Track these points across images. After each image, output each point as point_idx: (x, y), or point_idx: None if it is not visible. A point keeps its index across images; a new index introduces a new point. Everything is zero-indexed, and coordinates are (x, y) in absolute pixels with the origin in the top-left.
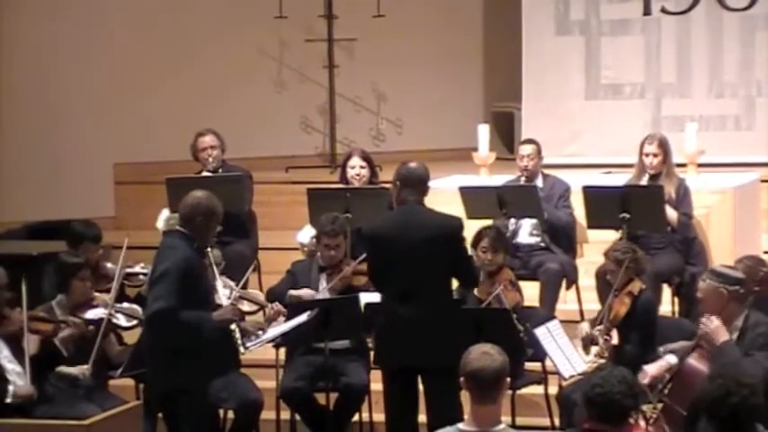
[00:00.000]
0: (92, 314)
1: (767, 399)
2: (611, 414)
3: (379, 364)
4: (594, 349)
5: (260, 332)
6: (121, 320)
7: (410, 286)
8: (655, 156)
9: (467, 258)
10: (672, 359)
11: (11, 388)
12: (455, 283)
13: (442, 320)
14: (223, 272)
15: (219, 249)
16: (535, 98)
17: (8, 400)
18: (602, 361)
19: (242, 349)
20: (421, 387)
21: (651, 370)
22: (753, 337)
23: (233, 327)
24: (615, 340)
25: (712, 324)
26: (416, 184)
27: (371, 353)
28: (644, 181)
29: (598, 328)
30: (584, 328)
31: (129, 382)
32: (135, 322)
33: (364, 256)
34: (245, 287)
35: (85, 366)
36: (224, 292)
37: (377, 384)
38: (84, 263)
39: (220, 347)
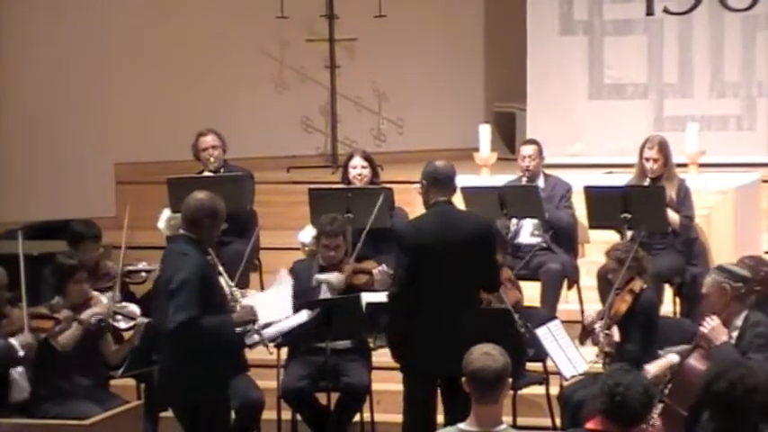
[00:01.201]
0: (89, 314)
1: None
2: (626, 417)
3: (413, 370)
4: (594, 348)
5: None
6: (120, 322)
7: (448, 290)
8: (655, 161)
9: (495, 261)
10: (674, 358)
11: (15, 341)
12: None
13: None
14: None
15: (218, 249)
16: (539, 97)
17: (19, 352)
18: (603, 360)
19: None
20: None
21: (653, 369)
22: (751, 337)
23: (249, 327)
24: (617, 337)
25: (713, 324)
26: (445, 183)
27: (401, 358)
28: (645, 183)
29: (599, 323)
30: (591, 315)
31: (130, 381)
32: (132, 323)
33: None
34: (245, 286)
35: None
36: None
37: (378, 384)
38: (80, 265)
39: (238, 346)
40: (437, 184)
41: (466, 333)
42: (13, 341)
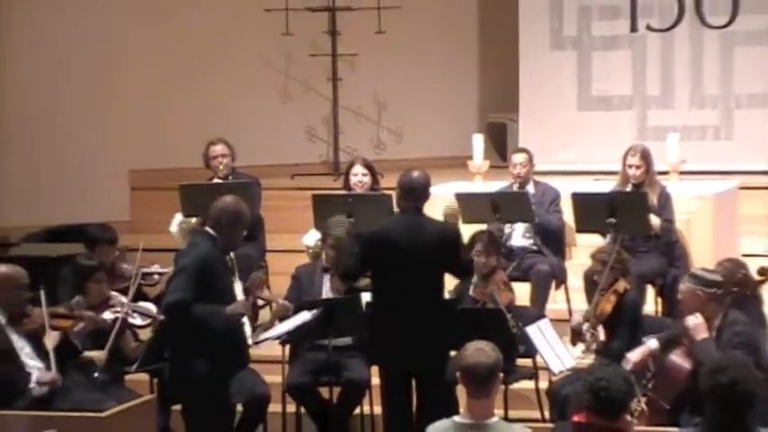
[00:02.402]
0: (108, 313)
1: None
2: (611, 409)
3: (378, 364)
4: (581, 346)
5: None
6: (137, 319)
7: (412, 289)
8: (637, 167)
9: (461, 258)
10: (653, 344)
11: (34, 375)
12: (449, 286)
13: (437, 324)
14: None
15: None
16: (531, 109)
17: (32, 386)
18: (591, 357)
19: (250, 341)
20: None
21: (633, 357)
22: (729, 335)
23: (244, 320)
24: (602, 335)
25: (695, 321)
26: (417, 191)
27: (374, 354)
28: (628, 189)
29: (586, 324)
30: (577, 318)
31: (144, 376)
32: (149, 321)
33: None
34: None
35: (101, 352)
36: (239, 288)
37: (377, 379)
38: (99, 266)
39: (237, 341)
40: (411, 191)
41: (430, 329)
42: (33, 372)
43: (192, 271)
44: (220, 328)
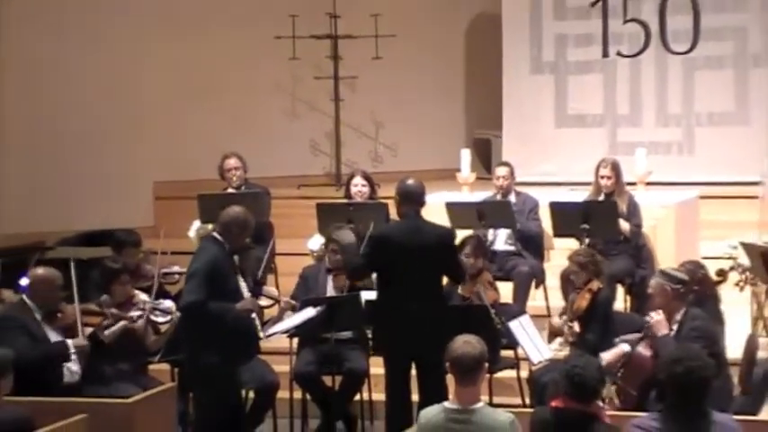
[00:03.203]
0: (132, 311)
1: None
2: (585, 393)
3: (383, 353)
4: (559, 339)
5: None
6: (158, 317)
7: (414, 285)
8: (608, 178)
9: (457, 260)
10: (625, 347)
11: (70, 341)
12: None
13: (438, 315)
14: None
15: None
16: (513, 126)
17: (71, 351)
18: (567, 349)
19: (261, 335)
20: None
21: (607, 357)
22: (688, 330)
23: (253, 315)
24: (578, 329)
25: (657, 318)
26: (414, 197)
27: (371, 342)
28: (600, 198)
29: (563, 317)
30: (553, 321)
31: (166, 366)
32: (169, 317)
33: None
34: (262, 284)
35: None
36: (246, 288)
37: (375, 369)
38: (123, 268)
39: (247, 335)
40: (408, 198)
41: (430, 321)
42: (69, 342)
43: (204, 274)
44: (232, 323)
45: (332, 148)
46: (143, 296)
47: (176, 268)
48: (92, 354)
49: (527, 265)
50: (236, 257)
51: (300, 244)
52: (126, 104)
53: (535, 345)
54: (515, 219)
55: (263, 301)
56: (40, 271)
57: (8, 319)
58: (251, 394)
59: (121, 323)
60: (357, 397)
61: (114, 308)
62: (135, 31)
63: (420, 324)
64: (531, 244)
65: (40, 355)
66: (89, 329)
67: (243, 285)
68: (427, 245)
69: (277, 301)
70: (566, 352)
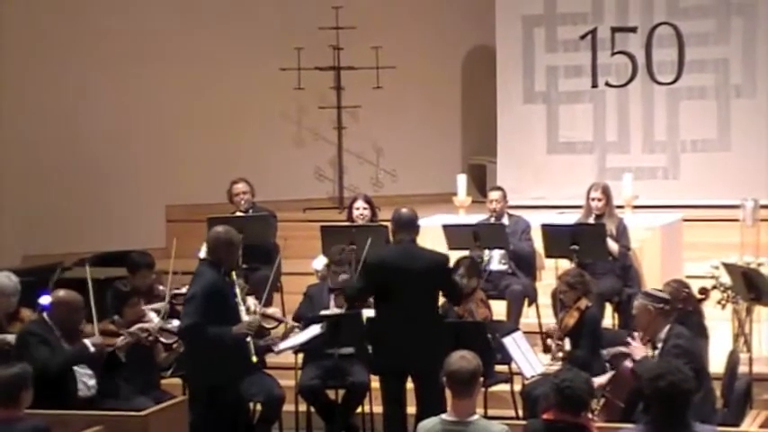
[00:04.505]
0: (143, 333)
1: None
2: (575, 405)
3: (379, 373)
4: (548, 355)
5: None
6: (168, 339)
7: (409, 307)
8: (599, 200)
9: (454, 282)
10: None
11: (89, 340)
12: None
13: (433, 334)
14: (249, 293)
15: (247, 275)
16: (507, 152)
17: (91, 349)
18: (558, 364)
19: (254, 359)
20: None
21: (600, 380)
22: (670, 347)
23: (248, 339)
24: (567, 346)
25: (633, 344)
26: (407, 226)
27: (376, 361)
28: (591, 220)
29: (555, 333)
30: (549, 325)
31: (178, 381)
32: (175, 339)
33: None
34: (267, 305)
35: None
36: (244, 310)
37: (376, 383)
38: (133, 291)
39: (242, 354)
40: (401, 225)
41: (424, 339)
42: (86, 341)
43: (201, 298)
44: (229, 345)
45: (335, 173)
46: (153, 315)
47: (186, 289)
48: (106, 369)
49: (520, 284)
50: (241, 284)
51: (305, 264)
52: (143, 133)
53: (528, 360)
54: (508, 240)
55: (267, 323)
56: (62, 294)
57: (30, 334)
58: (258, 407)
59: (133, 340)
60: (359, 409)
61: (125, 327)
62: (149, 59)
63: (416, 341)
64: (524, 264)
65: (62, 361)
66: (108, 349)
67: (242, 309)
68: (422, 269)
69: (281, 322)
70: (556, 367)
